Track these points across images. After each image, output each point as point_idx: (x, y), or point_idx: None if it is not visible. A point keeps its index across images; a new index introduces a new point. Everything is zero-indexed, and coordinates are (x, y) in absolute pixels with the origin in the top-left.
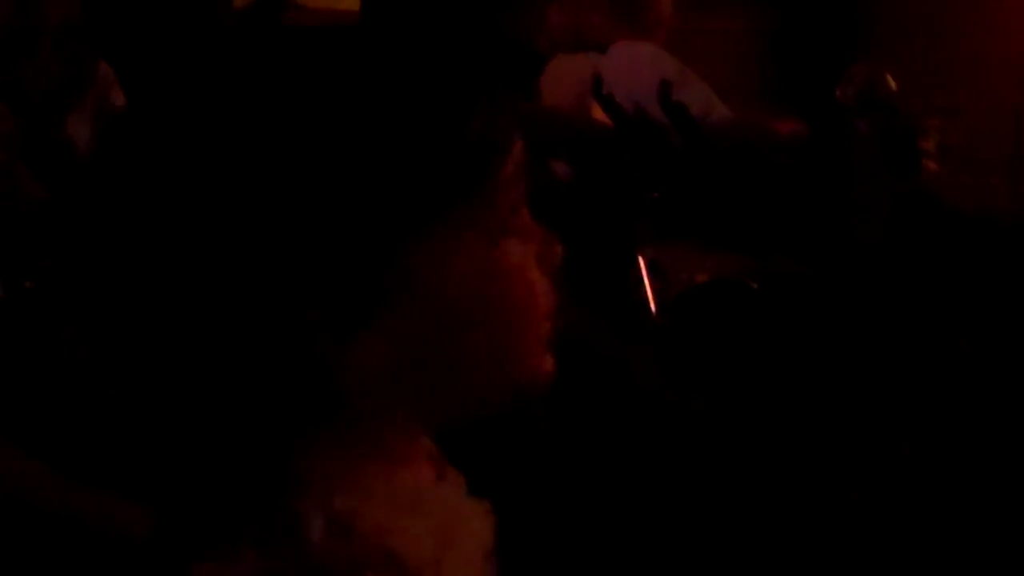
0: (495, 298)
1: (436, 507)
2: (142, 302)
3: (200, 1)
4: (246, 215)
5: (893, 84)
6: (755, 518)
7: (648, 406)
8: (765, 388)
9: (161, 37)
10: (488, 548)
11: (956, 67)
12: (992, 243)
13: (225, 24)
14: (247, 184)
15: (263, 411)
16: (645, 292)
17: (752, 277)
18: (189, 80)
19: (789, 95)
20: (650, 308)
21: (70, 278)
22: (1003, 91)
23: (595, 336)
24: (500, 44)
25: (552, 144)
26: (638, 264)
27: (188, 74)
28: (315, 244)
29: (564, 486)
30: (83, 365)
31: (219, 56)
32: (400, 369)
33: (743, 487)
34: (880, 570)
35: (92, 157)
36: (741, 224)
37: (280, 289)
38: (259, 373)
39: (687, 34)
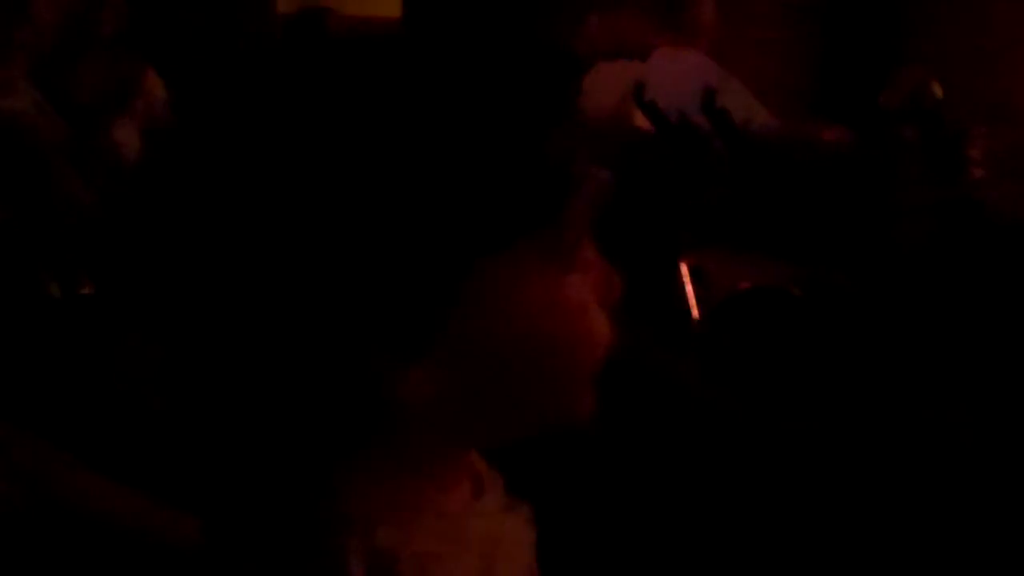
0: (553, 333)
1: (477, 530)
2: (197, 313)
3: (245, 9)
4: (308, 232)
5: (939, 90)
6: (798, 524)
7: (691, 412)
8: (808, 396)
9: (207, 45)
10: (527, 562)
11: (1002, 73)
12: None
13: (270, 32)
14: (310, 199)
15: (311, 434)
16: (687, 299)
17: (795, 284)
18: (240, 92)
19: (833, 102)
20: (692, 315)
21: (127, 285)
22: None
23: (638, 343)
24: (539, 52)
25: (594, 150)
26: (680, 271)
27: (238, 85)
28: (379, 265)
29: (608, 492)
30: (140, 373)
31: (273, 68)
32: (452, 398)
33: (787, 494)
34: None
35: (144, 167)
36: (784, 231)
37: (340, 309)
38: (311, 393)
39: (731, 42)
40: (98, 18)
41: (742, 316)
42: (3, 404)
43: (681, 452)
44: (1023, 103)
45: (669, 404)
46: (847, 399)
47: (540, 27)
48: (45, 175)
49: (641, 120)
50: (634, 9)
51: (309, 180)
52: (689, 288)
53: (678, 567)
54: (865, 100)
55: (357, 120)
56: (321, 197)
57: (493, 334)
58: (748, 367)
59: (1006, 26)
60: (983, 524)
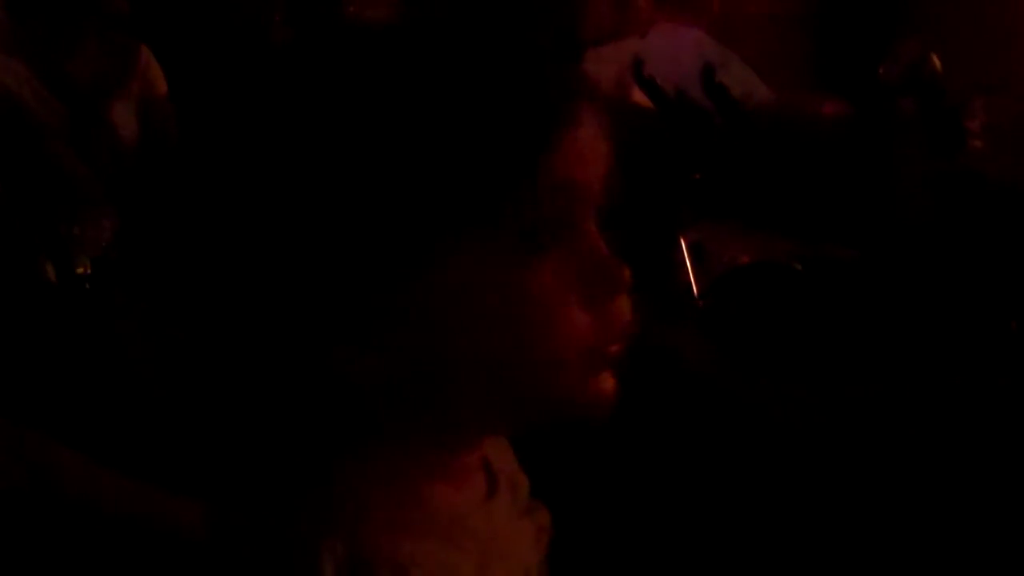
0: (513, 323)
1: (478, 528)
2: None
3: None
4: (271, 217)
5: (938, 63)
6: (803, 502)
7: (692, 388)
8: (809, 371)
9: (205, 24)
10: (531, 564)
11: (1002, 45)
12: None
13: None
14: (272, 187)
15: (289, 428)
16: (687, 274)
17: (796, 259)
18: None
19: (832, 75)
20: (692, 290)
21: (127, 266)
22: None
23: (638, 319)
24: (541, 31)
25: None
26: (680, 246)
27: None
28: (333, 251)
29: (614, 471)
30: (139, 354)
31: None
32: (412, 386)
33: (788, 470)
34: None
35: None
36: (784, 206)
37: (299, 292)
38: (281, 384)
39: (729, 18)
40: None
41: (742, 291)
42: (2, 391)
43: (683, 429)
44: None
45: (670, 380)
46: (848, 373)
47: (545, 9)
48: (38, 152)
49: (640, 96)
50: None
51: (273, 169)
52: (689, 264)
53: (687, 549)
54: (864, 73)
55: (315, 111)
56: (283, 185)
57: (448, 322)
58: (748, 342)
59: None
60: (993, 499)
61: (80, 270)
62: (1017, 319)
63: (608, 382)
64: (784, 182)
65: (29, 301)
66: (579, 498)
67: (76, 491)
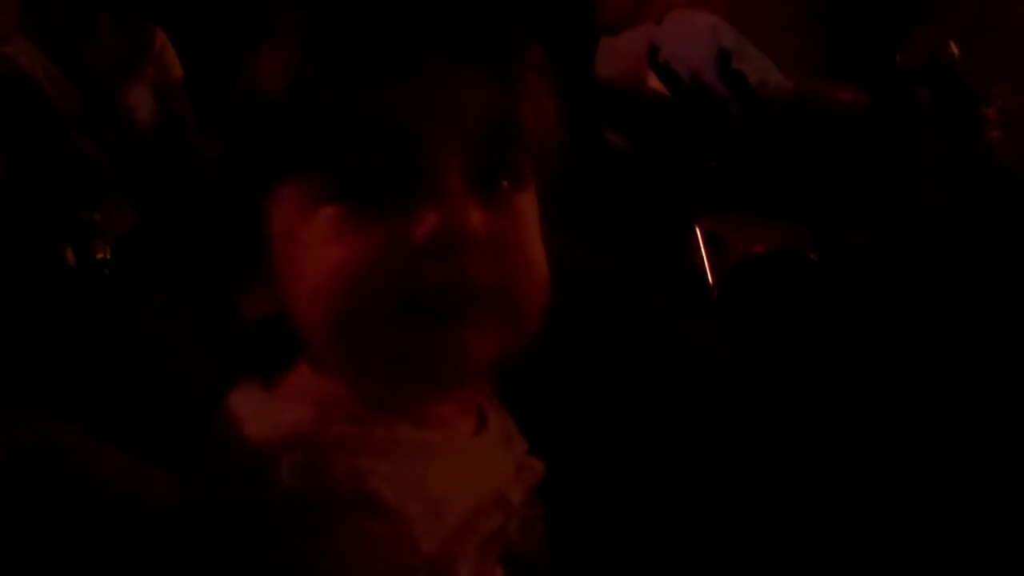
0: (292, 269)
1: (450, 453)
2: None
3: None
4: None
5: (956, 50)
6: (815, 494)
7: (707, 377)
8: (825, 360)
9: (217, 6)
10: (505, 495)
11: (1020, 32)
12: None
13: None
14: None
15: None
16: (702, 263)
17: (811, 248)
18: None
19: (849, 63)
20: (707, 279)
21: (147, 250)
22: None
23: (653, 306)
24: (557, 15)
25: (607, 113)
26: (695, 234)
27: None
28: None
29: (621, 455)
30: (160, 338)
31: None
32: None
33: (802, 458)
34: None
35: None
36: (800, 194)
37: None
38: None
39: (745, 4)
40: None
41: (757, 280)
42: (21, 374)
43: (697, 419)
44: None
45: (684, 370)
46: (864, 363)
47: None
48: (57, 137)
49: (655, 82)
50: None
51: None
52: (704, 252)
53: (697, 540)
54: (881, 60)
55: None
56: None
57: (282, 268)
58: (764, 332)
59: None
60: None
61: (99, 255)
62: None
63: (462, 347)
64: (800, 170)
65: (49, 286)
66: (585, 486)
67: (80, 467)
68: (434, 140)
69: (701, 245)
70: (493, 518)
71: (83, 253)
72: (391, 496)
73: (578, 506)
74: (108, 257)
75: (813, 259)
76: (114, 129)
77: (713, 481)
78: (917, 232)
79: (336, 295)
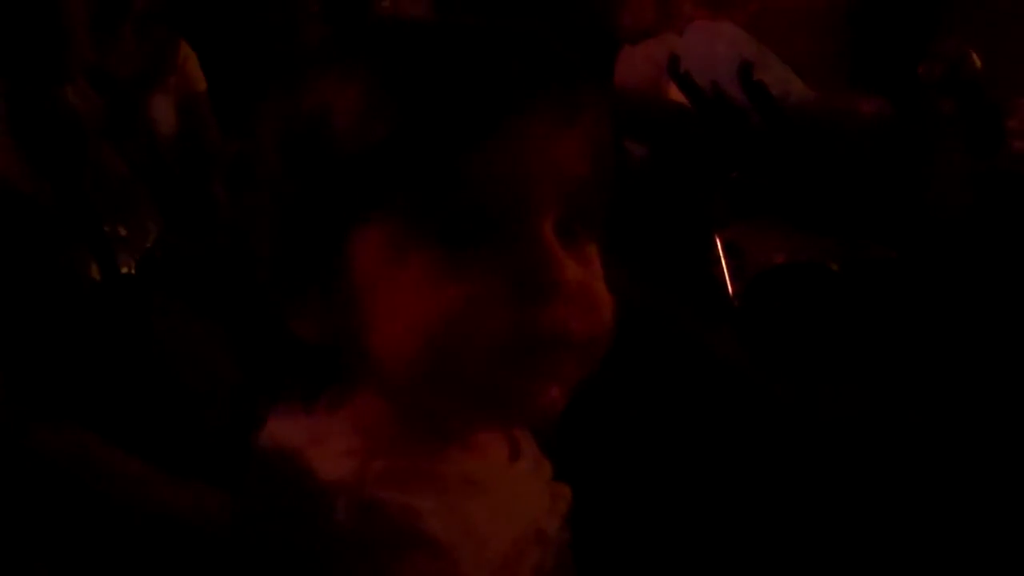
0: (411, 306)
1: (492, 485)
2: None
3: None
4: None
5: (978, 61)
6: (836, 500)
7: (728, 387)
8: (846, 372)
9: (242, 18)
10: (543, 527)
11: None
12: None
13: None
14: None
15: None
16: (723, 273)
17: (832, 259)
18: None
19: (871, 74)
20: (727, 290)
21: (171, 266)
22: None
23: (674, 317)
24: (577, 24)
25: (629, 124)
26: (715, 245)
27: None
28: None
29: (646, 467)
30: (181, 352)
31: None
32: (349, 352)
33: (824, 469)
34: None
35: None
36: (821, 205)
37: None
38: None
39: (766, 14)
40: None
41: (778, 291)
42: (47, 390)
43: (718, 428)
44: None
45: (705, 380)
46: (885, 375)
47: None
48: (84, 149)
49: (676, 93)
50: None
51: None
52: (724, 263)
53: (716, 544)
54: (903, 71)
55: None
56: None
57: (359, 302)
58: (784, 343)
59: None
60: None
61: (124, 270)
62: None
63: (549, 395)
64: (822, 181)
65: (74, 300)
66: (609, 493)
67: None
68: (538, 196)
69: (722, 256)
70: (534, 553)
71: (108, 267)
72: (442, 533)
73: (603, 527)
74: (133, 272)
75: (834, 270)
76: (136, 140)
77: (732, 487)
78: (939, 243)
79: (438, 337)
